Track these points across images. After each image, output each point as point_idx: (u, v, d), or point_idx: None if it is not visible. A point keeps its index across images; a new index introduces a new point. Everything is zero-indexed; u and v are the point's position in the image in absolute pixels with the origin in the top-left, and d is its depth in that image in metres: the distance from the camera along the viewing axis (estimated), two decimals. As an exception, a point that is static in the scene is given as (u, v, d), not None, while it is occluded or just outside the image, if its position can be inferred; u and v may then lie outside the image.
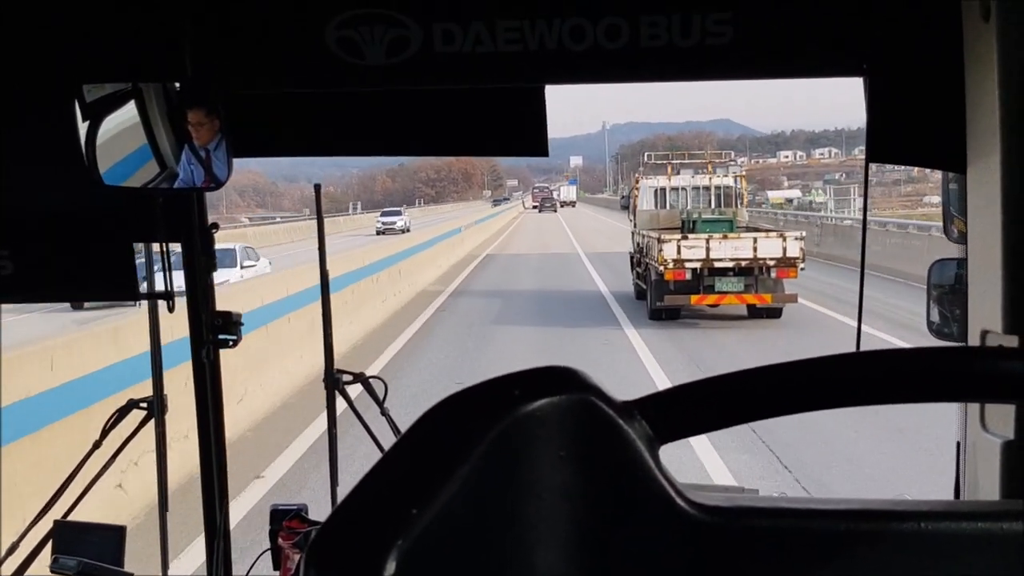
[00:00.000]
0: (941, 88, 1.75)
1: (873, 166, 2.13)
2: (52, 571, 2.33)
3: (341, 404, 2.76)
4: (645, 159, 28.31)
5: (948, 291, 2.32)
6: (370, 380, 2.79)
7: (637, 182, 23.55)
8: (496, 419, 0.63)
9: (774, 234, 19.12)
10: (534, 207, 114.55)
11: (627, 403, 0.66)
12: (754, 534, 0.65)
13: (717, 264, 18.29)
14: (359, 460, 2.76)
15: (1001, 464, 1.56)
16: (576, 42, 1.98)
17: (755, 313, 18.79)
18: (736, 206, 22.31)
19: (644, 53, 1.98)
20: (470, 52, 2.00)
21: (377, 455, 0.66)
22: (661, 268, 18.27)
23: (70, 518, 2.56)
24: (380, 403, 2.76)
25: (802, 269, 18.43)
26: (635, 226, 22.52)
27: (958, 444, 1.75)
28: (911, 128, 1.92)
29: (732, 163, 29.03)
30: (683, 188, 22.85)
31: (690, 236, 18.85)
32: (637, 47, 1.98)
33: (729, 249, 18.37)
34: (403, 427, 0.68)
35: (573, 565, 0.63)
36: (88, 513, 2.67)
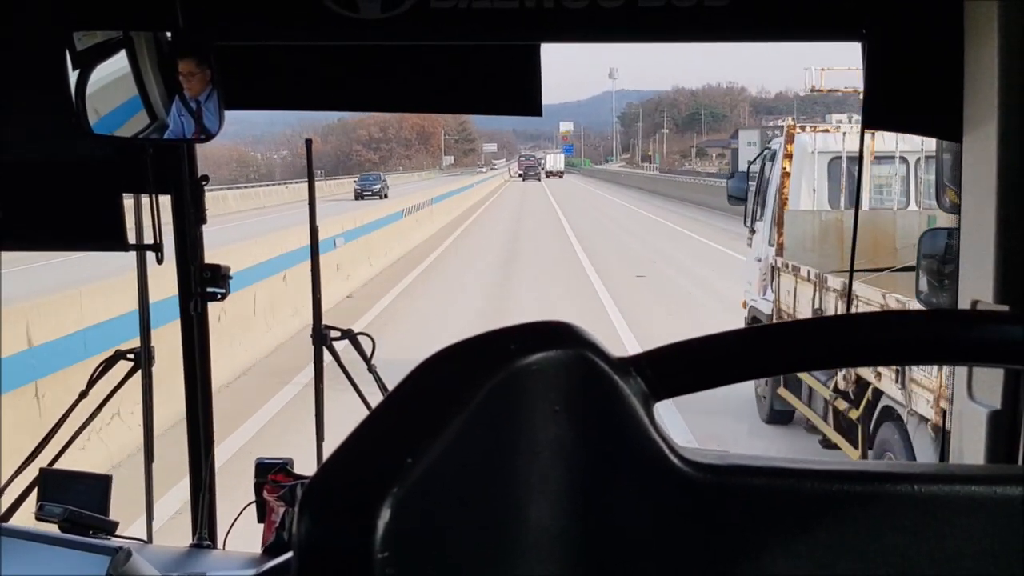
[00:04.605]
0: (940, 55, 1.74)
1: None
2: (38, 518, 2.33)
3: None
4: (811, 84, 12.50)
5: (938, 261, 2.32)
6: (358, 336, 2.79)
7: (791, 138, 9.91)
8: (491, 372, 0.62)
9: None
10: (519, 175, 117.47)
11: (623, 359, 0.66)
12: (748, 492, 0.65)
13: None
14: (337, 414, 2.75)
15: (987, 433, 1.57)
16: None
17: None
18: None
19: (642, 13, 1.96)
20: (466, 8, 1.97)
21: (363, 412, 0.66)
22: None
23: (56, 467, 2.55)
24: (368, 360, 2.76)
25: None
26: (778, 250, 9.73)
27: (944, 412, 1.77)
28: (908, 95, 1.91)
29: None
30: (900, 158, 9.73)
31: None
32: (635, 6, 1.96)
33: None
34: (389, 384, 0.67)
35: (566, 519, 0.63)
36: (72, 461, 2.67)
